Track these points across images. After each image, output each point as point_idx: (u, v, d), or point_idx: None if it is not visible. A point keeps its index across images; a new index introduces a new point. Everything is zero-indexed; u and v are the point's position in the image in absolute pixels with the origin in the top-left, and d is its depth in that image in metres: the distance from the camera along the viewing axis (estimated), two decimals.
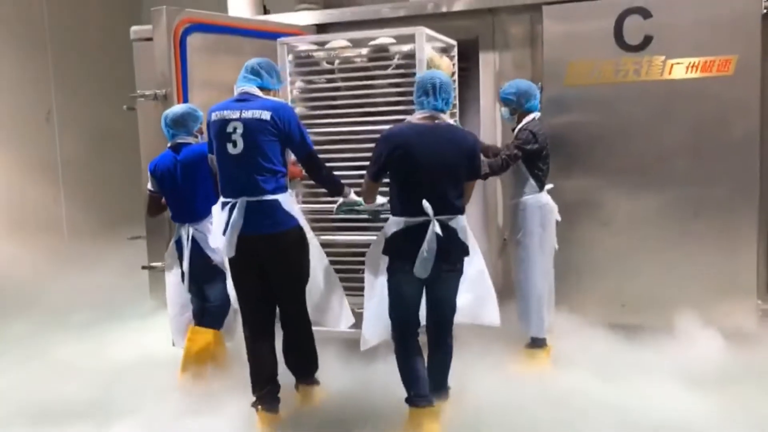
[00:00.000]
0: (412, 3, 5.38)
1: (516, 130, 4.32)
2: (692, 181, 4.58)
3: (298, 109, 4.35)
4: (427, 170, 3.34)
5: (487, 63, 5.12)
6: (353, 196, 3.80)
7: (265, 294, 3.64)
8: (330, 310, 3.89)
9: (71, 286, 6.30)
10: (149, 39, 4.83)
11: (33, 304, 5.93)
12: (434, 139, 3.37)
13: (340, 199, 3.83)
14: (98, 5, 8.48)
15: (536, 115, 4.32)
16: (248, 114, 3.48)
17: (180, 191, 4.14)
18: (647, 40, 4.58)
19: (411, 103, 3.66)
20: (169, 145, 4.21)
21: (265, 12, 6.22)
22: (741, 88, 4.46)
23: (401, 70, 4.24)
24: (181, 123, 4.15)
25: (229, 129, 3.48)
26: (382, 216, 3.74)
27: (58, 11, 8.04)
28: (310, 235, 3.74)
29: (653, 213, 4.67)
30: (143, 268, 5.43)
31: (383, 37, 4.31)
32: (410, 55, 4.16)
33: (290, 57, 4.42)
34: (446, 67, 4.23)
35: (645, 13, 4.57)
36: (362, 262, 3.77)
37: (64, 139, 8.15)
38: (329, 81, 4.48)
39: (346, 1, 5.74)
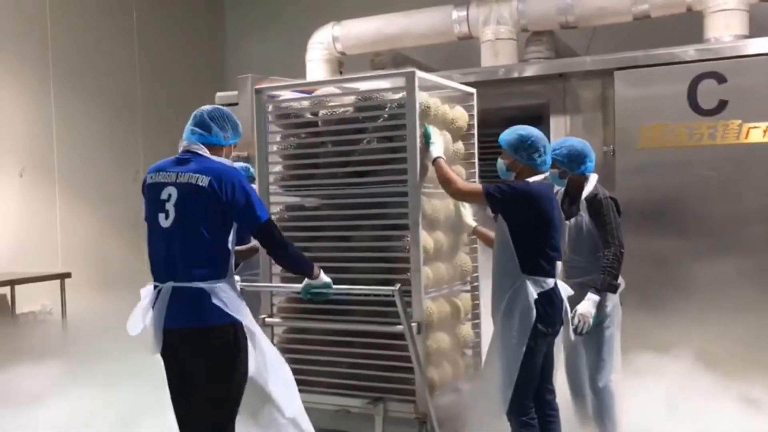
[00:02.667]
0: (483, 69, 5.46)
1: (588, 196, 3.84)
2: None
3: (277, 168, 3.96)
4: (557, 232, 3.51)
5: (558, 126, 5.16)
6: (324, 277, 3.18)
7: (188, 401, 2.96)
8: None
9: None
10: (234, 104, 5.11)
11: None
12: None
13: (305, 280, 3.20)
14: (185, 71, 8.96)
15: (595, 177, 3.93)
16: (184, 178, 2.86)
17: None
18: (722, 104, 4.56)
19: (404, 160, 3.51)
20: None
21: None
22: None
23: (394, 122, 3.64)
24: None
25: (163, 196, 2.88)
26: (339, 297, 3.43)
27: (148, 76, 8.56)
28: (258, 336, 3.00)
29: (729, 278, 4.54)
30: None
31: (375, 81, 3.82)
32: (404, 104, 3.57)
33: (269, 107, 3.93)
34: (459, 117, 3.95)
35: (719, 78, 4.57)
36: (347, 354, 3.66)
37: None
38: (313, 135, 3.88)
39: (419, 67, 5.75)
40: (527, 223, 3.44)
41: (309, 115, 3.87)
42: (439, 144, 3.59)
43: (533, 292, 3.36)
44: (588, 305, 3.63)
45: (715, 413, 4.10)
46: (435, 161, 3.54)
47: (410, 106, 3.50)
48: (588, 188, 3.85)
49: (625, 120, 4.82)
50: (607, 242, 3.73)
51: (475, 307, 4.08)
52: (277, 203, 3.92)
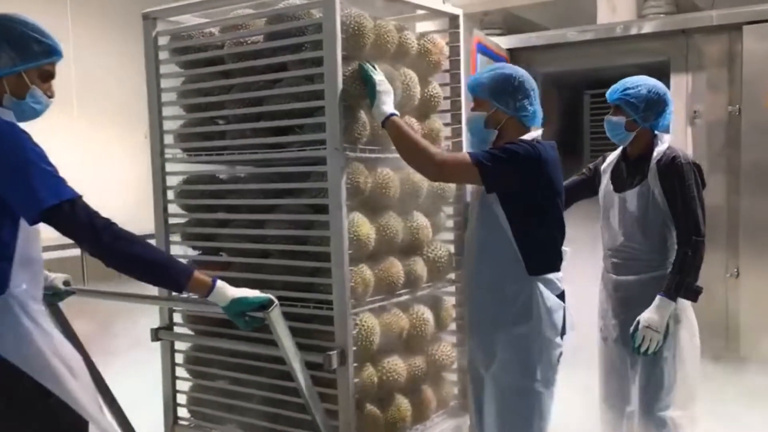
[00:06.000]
0: (600, 26, 5.08)
1: (664, 160, 2.72)
2: None
3: (172, 125, 2.81)
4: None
5: (679, 85, 4.75)
6: (228, 290, 1.97)
7: None
8: None
9: None
10: None
11: None
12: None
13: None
14: None
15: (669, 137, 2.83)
16: None
17: None
18: None
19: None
20: None
21: None
22: None
23: (315, 53, 2.38)
24: None
25: None
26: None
27: None
28: (65, 379, 1.93)
29: None
30: None
31: None
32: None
33: (165, 40, 2.76)
34: (434, 51, 2.72)
35: None
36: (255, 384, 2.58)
37: None
38: (217, 77, 2.67)
39: (530, 26, 5.52)
40: (535, 204, 2.36)
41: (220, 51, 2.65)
42: (387, 92, 2.38)
43: (554, 304, 2.36)
44: (656, 315, 2.60)
45: None
46: (386, 122, 2.35)
47: (329, 28, 2.32)
48: (659, 149, 2.74)
49: (753, 77, 4.48)
50: (686, 226, 2.63)
51: (459, 315, 2.92)
52: (175, 173, 2.84)
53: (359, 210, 2.48)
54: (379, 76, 2.37)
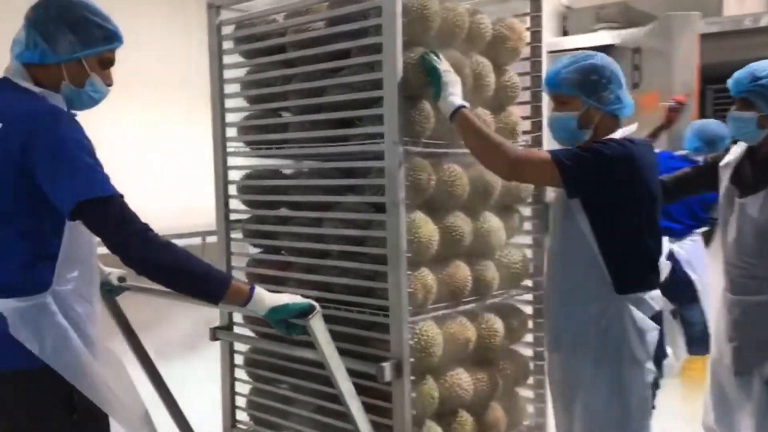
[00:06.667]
0: (726, 18, 4.84)
1: None
2: None
3: (235, 118, 2.68)
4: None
5: None
6: (267, 298, 1.80)
7: None
8: None
9: None
10: None
11: None
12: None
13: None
14: None
15: None
16: None
17: None
18: None
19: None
20: None
21: (565, 34, 6.02)
22: None
23: (376, 39, 2.17)
24: None
25: None
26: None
27: None
28: (103, 388, 1.81)
29: None
30: None
31: None
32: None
33: (228, 30, 2.65)
34: (512, 36, 2.47)
35: None
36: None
37: None
38: (279, 66, 2.53)
39: (648, 19, 5.26)
40: (626, 212, 2.06)
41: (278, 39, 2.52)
42: (454, 83, 2.15)
43: (646, 326, 2.08)
44: None
45: None
46: (454, 114, 2.13)
47: (388, 11, 2.11)
48: None
49: None
50: None
51: (538, 327, 2.66)
52: (236, 168, 2.73)
53: (422, 209, 2.28)
54: (444, 65, 2.15)
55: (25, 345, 1.72)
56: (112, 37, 1.86)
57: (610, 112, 2.13)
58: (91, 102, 1.87)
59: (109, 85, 1.90)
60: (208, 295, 1.76)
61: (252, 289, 1.79)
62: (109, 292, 2.41)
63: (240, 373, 2.78)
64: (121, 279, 2.40)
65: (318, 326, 1.80)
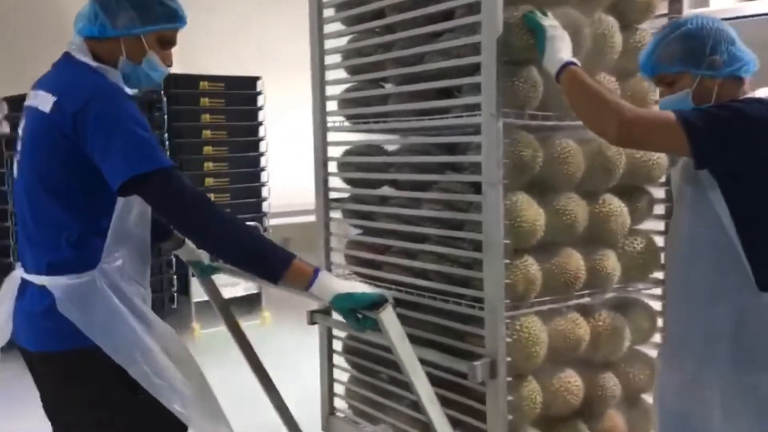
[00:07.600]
0: None
1: None
2: None
3: (335, 90, 2.53)
4: None
5: None
6: (333, 283, 1.63)
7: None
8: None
9: None
10: None
11: None
12: None
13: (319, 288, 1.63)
14: None
15: None
16: (34, 100, 1.72)
17: None
18: None
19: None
20: None
21: None
22: None
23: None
24: None
25: (20, 130, 1.80)
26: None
27: None
28: (162, 365, 1.72)
29: None
30: None
31: None
32: None
33: None
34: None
35: None
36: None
37: None
38: (379, 34, 2.38)
39: None
40: None
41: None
42: (561, 38, 1.87)
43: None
44: None
45: None
46: (561, 72, 1.83)
47: None
48: None
49: None
50: None
51: (664, 327, 2.31)
52: (335, 144, 2.57)
53: (527, 190, 2.01)
54: (549, 21, 1.86)
55: (75, 324, 1.67)
56: (173, 16, 1.78)
57: (730, 74, 1.75)
58: (148, 80, 1.80)
59: (169, 65, 1.82)
60: (266, 271, 1.64)
61: (316, 271, 1.63)
62: (203, 272, 2.36)
63: (338, 360, 2.65)
64: (213, 258, 2.34)
65: (389, 321, 1.61)
